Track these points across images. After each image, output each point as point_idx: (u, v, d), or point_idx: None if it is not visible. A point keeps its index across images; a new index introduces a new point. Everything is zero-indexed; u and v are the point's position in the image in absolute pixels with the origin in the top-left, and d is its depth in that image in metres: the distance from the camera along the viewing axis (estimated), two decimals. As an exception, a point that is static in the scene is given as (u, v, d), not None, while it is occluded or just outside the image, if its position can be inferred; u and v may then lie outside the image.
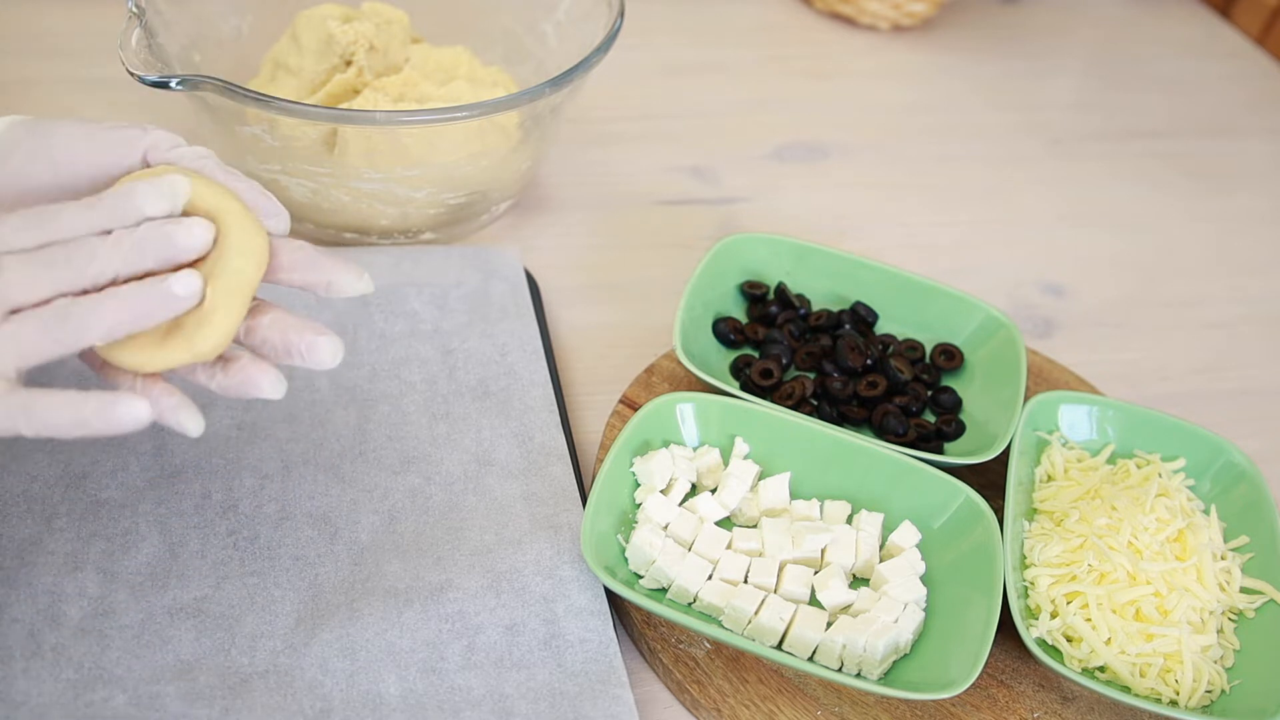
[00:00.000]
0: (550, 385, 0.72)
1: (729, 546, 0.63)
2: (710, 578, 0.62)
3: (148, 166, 0.55)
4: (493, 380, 0.72)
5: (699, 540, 0.63)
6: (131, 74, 0.70)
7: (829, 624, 0.60)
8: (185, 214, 0.52)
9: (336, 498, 0.64)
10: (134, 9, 0.73)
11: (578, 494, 0.66)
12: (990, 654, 0.59)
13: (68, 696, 0.54)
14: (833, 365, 0.74)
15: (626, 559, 0.63)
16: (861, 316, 0.78)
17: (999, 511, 0.64)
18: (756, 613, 0.59)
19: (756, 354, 0.76)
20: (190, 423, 0.51)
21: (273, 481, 0.65)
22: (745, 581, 0.62)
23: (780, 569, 0.62)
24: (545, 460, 0.68)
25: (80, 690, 0.55)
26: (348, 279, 0.54)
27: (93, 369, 0.54)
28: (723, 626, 0.60)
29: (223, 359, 0.52)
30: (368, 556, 0.62)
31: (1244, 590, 0.64)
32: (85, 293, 0.49)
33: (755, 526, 0.65)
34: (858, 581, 0.64)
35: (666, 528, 0.64)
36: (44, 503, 0.62)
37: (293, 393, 0.68)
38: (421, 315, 0.75)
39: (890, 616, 0.60)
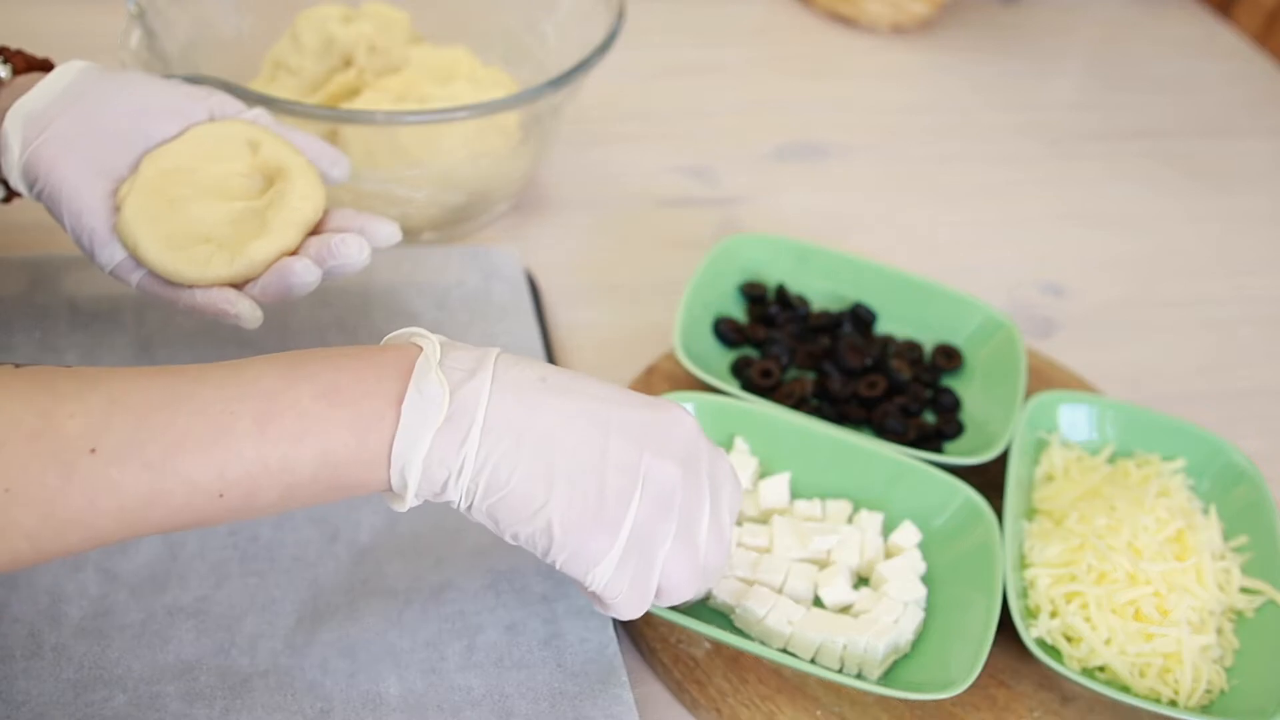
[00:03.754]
0: None
1: (739, 543, 0.63)
2: (725, 575, 0.62)
3: (213, 120, 0.63)
4: None
5: None
6: (132, 74, 0.70)
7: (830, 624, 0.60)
8: (260, 165, 0.62)
9: None
10: (134, 9, 0.73)
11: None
12: (990, 654, 0.59)
13: (68, 696, 0.54)
14: (833, 365, 0.74)
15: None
16: (861, 316, 0.78)
17: (999, 511, 0.64)
18: (765, 616, 0.59)
19: (756, 354, 0.76)
20: (251, 314, 0.59)
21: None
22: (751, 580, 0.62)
23: (787, 568, 0.62)
24: None
25: (80, 690, 0.55)
26: (382, 229, 0.61)
27: (149, 292, 0.60)
28: (720, 627, 0.60)
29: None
30: (368, 557, 0.62)
31: (1243, 590, 0.64)
32: None
33: (764, 524, 0.65)
34: (859, 581, 0.64)
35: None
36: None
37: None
38: (422, 316, 0.75)
39: (891, 617, 0.60)
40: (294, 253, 0.59)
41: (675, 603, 0.52)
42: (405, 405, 0.46)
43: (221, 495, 0.45)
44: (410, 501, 0.48)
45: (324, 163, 0.64)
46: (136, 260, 0.59)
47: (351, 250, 0.59)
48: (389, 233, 0.61)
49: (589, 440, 0.48)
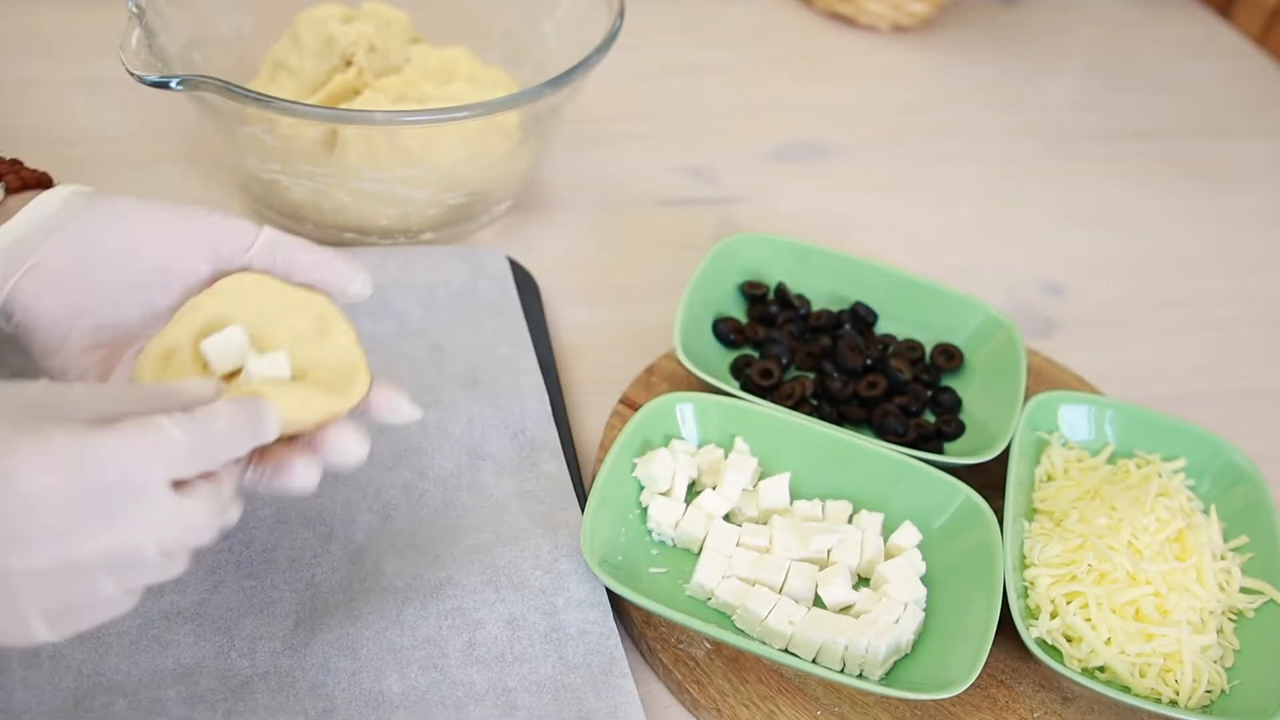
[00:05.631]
0: (539, 374, 0.72)
1: (739, 544, 0.63)
2: (725, 575, 0.62)
3: (218, 270, 0.56)
4: (482, 370, 0.72)
5: (710, 537, 0.63)
6: (131, 74, 0.70)
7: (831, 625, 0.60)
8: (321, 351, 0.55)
9: (330, 497, 0.64)
10: (134, 9, 0.73)
11: (573, 492, 0.66)
12: (990, 654, 0.59)
13: (68, 705, 0.54)
14: (833, 365, 0.74)
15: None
16: (861, 316, 0.78)
17: (999, 511, 0.64)
18: (766, 616, 0.59)
19: (756, 354, 0.76)
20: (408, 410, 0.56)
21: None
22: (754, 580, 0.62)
23: (787, 568, 0.62)
24: (539, 456, 0.68)
25: (80, 698, 0.54)
26: (401, 407, 0.56)
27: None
28: (721, 627, 0.60)
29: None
30: (365, 556, 0.62)
31: (1244, 590, 0.64)
32: None
33: (764, 524, 0.65)
34: (860, 582, 0.64)
35: (676, 526, 0.64)
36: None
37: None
38: (409, 314, 0.75)
39: (891, 617, 0.60)
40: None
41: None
42: None
43: None
44: None
45: (344, 279, 0.57)
46: None
47: (347, 447, 0.53)
48: (407, 413, 0.56)
49: None
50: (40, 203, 0.55)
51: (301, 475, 0.51)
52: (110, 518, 0.43)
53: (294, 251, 0.57)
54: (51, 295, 0.54)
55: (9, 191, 0.57)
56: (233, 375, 0.54)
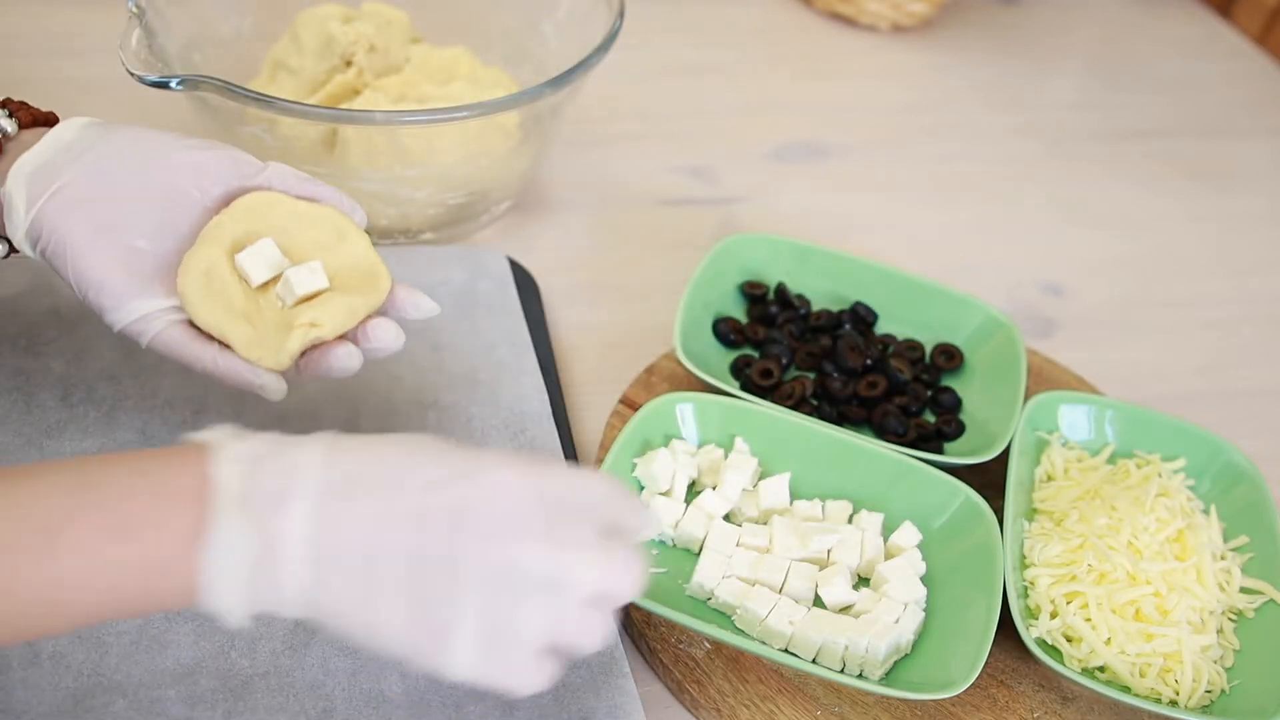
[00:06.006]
0: (540, 375, 0.72)
1: (739, 544, 0.63)
2: (726, 575, 0.62)
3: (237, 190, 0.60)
4: (482, 370, 0.72)
5: (710, 537, 0.63)
6: (131, 74, 0.70)
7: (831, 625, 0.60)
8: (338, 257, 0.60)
9: None
10: (134, 9, 0.73)
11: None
12: (990, 654, 0.59)
13: (68, 704, 0.54)
14: (833, 365, 0.74)
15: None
16: (861, 316, 0.78)
17: (999, 511, 0.64)
18: (766, 616, 0.59)
19: (756, 354, 0.76)
20: (276, 386, 0.57)
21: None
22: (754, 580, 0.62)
23: (787, 568, 0.62)
24: (539, 456, 0.67)
25: (80, 698, 0.54)
26: (423, 303, 0.62)
27: (163, 350, 0.57)
28: (721, 627, 0.60)
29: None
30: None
31: (1244, 590, 0.64)
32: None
33: (764, 524, 0.65)
34: (860, 582, 0.64)
35: (676, 526, 0.64)
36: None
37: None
38: None
39: (891, 617, 0.60)
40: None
41: (596, 649, 0.47)
42: (206, 559, 0.43)
43: (3, 626, 0.43)
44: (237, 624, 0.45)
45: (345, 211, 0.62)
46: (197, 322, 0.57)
47: (388, 337, 0.58)
48: (428, 307, 0.61)
49: (401, 550, 0.44)
50: (58, 132, 0.58)
51: (343, 358, 0.57)
52: (555, 528, 0.45)
53: (298, 183, 0.61)
54: (77, 217, 0.56)
55: (21, 126, 0.59)
56: (268, 285, 0.58)
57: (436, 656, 0.45)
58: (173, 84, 0.69)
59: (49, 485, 0.44)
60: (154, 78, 0.69)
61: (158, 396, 0.68)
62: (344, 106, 0.81)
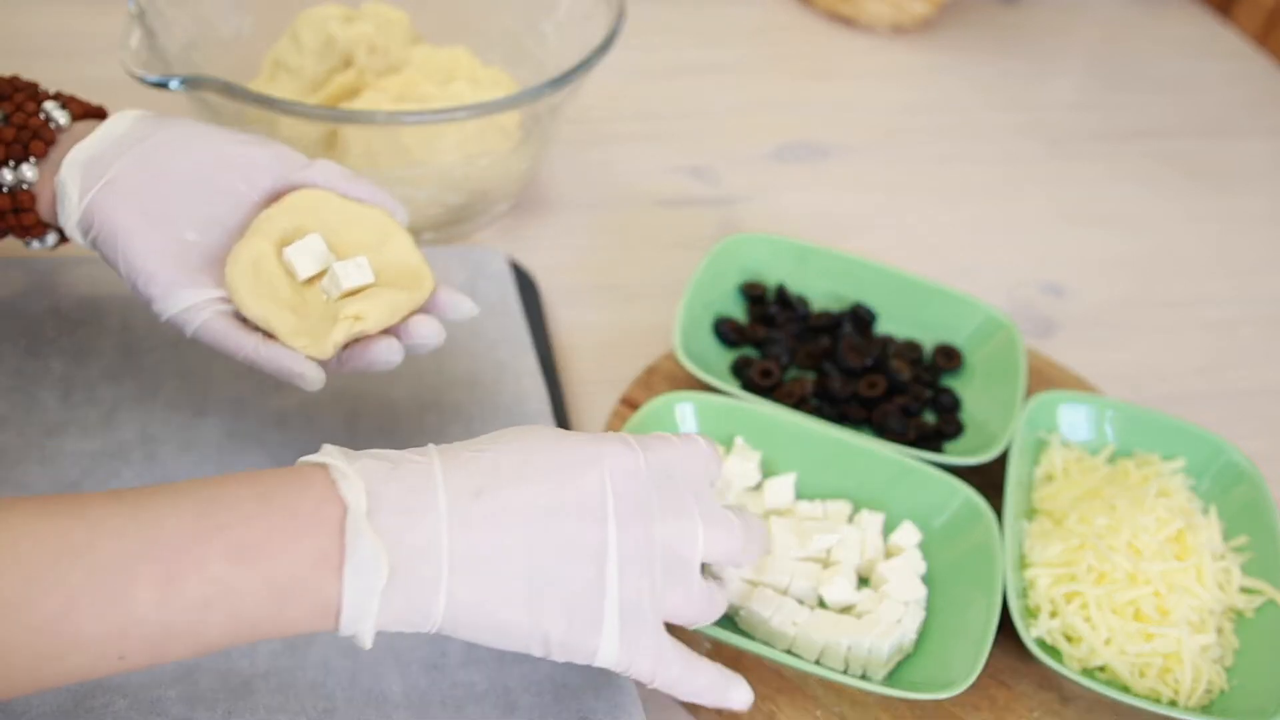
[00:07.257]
0: (540, 375, 0.72)
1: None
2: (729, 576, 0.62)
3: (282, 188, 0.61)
4: (482, 371, 0.72)
5: None
6: (131, 74, 0.70)
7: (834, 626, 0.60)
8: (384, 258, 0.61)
9: None
10: (134, 9, 0.73)
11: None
12: (990, 654, 0.59)
13: (68, 704, 0.54)
14: (833, 365, 0.74)
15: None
16: (861, 316, 0.78)
17: (999, 511, 0.64)
18: (770, 618, 0.59)
19: (756, 354, 0.76)
20: (315, 376, 0.57)
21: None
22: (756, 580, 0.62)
23: (792, 569, 0.62)
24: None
25: (81, 697, 0.54)
26: (463, 305, 0.63)
27: (208, 340, 0.58)
28: (722, 628, 0.60)
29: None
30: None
31: (1243, 590, 0.64)
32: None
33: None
34: (860, 582, 0.64)
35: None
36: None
37: (283, 395, 0.69)
38: None
39: (894, 617, 0.60)
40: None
41: (713, 620, 0.52)
42: (345, 582, 0.43)
43: (123, 658, 0.42)
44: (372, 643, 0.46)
45: (389, 209, 0.64)
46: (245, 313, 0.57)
47: (430, 333, 0.59)
48: (469, 308, 0.62)
49: (545, 546, 0.46)
50: (112, 124, 0.59)
51: (385, 351, 0.58)
52: (674, 498, 0.49)
53: (343, 180, 0.62)
54: (128, 207, 0.57)
55: (74, 119, 0.60)
56: (314, 279, 0.59)
57: (587, 649, 0.48)
58: (173, 84, 0.69)
59: (171, 508, 0.43)
60: (154, 78, 0.69)
61: (158, 397, 0.68)
62: (344, 107, 0.81)
